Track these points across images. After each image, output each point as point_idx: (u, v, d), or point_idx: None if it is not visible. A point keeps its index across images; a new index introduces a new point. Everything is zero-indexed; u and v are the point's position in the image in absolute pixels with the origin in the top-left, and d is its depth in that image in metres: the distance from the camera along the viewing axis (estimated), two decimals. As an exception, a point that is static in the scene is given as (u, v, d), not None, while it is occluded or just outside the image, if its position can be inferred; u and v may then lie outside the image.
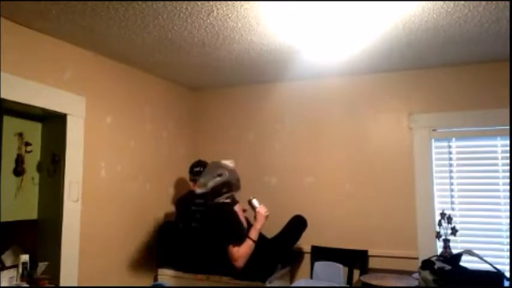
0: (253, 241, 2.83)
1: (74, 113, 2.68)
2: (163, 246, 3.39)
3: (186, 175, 3.53)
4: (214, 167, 3.08)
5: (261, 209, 2.95)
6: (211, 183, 2.98)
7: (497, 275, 2.37)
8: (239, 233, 2.87)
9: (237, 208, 3.06)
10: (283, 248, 3.07)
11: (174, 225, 3.37)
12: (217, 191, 3.00)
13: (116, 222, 3.02)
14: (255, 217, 2.96)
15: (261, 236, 2.97)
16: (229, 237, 2.84)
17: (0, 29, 2.22)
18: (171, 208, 3.54)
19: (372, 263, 3.24)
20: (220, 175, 3.01)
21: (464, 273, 2.45)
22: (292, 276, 3.39)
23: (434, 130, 3.24)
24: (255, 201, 3.01)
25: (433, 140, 3.24)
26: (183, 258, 3.18)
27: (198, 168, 3.33)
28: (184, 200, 3.33)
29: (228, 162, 3.16)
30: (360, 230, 3.32)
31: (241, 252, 2.79)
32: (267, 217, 2.94)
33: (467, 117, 3.14)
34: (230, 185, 3.03)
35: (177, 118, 3.77)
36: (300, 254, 3.42)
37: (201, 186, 3.03)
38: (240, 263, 2.79)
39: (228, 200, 3.02)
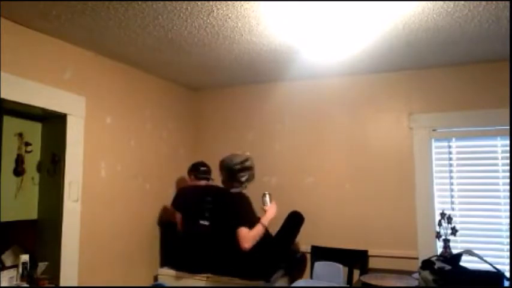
0: (264, 226, 2.85)
1: (74, 113, 2.68)
2: (165, 245, 3.40)
3: (186, 175, 3.54)
4: (238, 155, 3.12)
5: (271, 208, 2.97)
6: (240, 163, 3.04)
7: (497, 275, 2.37)
8: (251, 218, 2.90)
9: None
10: (284, 245, 3.08)
11: (175, 224, 3.38)
12: (239, 172, 3.03)
13: (116, 222, 3.02)
14: (264, 211, 2.98)
15: (268, 234, 2.98)
16: (242, 219, 2.86)
17: (0, 29, 2.22)
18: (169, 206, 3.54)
19: (372, 263, 3.24)
20: (247, 160, 3.07)
21: (464, 273, 2.45)
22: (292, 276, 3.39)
23: (434, 130, 3.24)
24: (267, 198, 3.02)
25: (433, 140, 3.24)
26: (184, 257, 3.18)
27: (204, 168, 3.35)
28: (190, 195, 3.31)
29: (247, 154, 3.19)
30: (360, 230, 3.32)
31: (252, 234, 2.81)
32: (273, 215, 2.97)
33: (467, 117, 3.14)
34: (250, 170, 3.08)
35: (177, 118, 3.77)
36: (302, 258, 3.41)
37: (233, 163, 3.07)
38: (248, 244, 2.79)
39: (243, 190, 3.06)
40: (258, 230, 2.84)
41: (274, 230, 3.04)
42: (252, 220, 2.90)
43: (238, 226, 2.81)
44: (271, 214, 2.94)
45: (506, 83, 2.97)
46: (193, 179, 3.41)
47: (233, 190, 3.06)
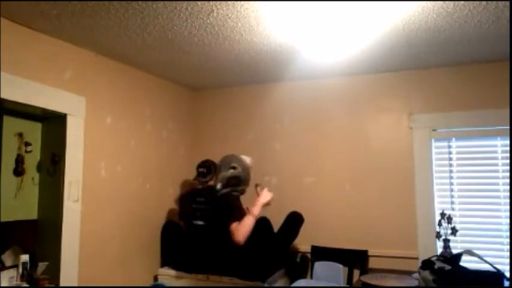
0: (254, 216, 2.73)
1: (74, 113, 2.68)
2: (165, 245, 3.40)
3: (186, 175, 3.54)
4: (230, 159, 3.06)
5: (261, 195, 2.85)
6: (224, 175, 2.98)
7: (497, 275, 2.37)
8: (241, 214, 2.79)
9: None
10: (282, 246, 3.07)
11: (175, 224, 3.38)
12: (227, 183, 2.98)
13: (116, 222, 3.02)
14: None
15: (271, 232, 2.96)
16: (231, 216, 2.77)
17: (0, 29, 2.22)
18: (171, 207, 3.54)
19: (372, 263, 3.24)
20: (234, 168, 3.00)
21: (464, 273, 2.45)
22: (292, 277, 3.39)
23: (434, 130, 3.24)
24: (259, 188, 2.94)
25: (433, 140, 3.24)
26: (184, 257, 3.19)
27: (201, 169, 3.35)
28: (185, 198, 3.33)
29: (246, 158, 3.11)
30: (360, 230, 3.32)
31: (241, 226, 2.69)
32: (270, 198, 2.86)
33: (467, 117, 3.14)
34: (240, 180, 3.02)
35: (177, 118, 3.77)
36: (303, 260, 3.41)
37: (218, 179, 3.02)
38: (239, 237, 2.66)
39: (235, 193, 3.01)
40: (247, 221, 2.70)
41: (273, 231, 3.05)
42: (242, 214, 2.79)
43: (230, 223, 2.73)
44: (262, 200, 2.78)
45: (506, 83, 2.97)
46: (194, 181, 3.42)
47: (224, 191, 3.00)
